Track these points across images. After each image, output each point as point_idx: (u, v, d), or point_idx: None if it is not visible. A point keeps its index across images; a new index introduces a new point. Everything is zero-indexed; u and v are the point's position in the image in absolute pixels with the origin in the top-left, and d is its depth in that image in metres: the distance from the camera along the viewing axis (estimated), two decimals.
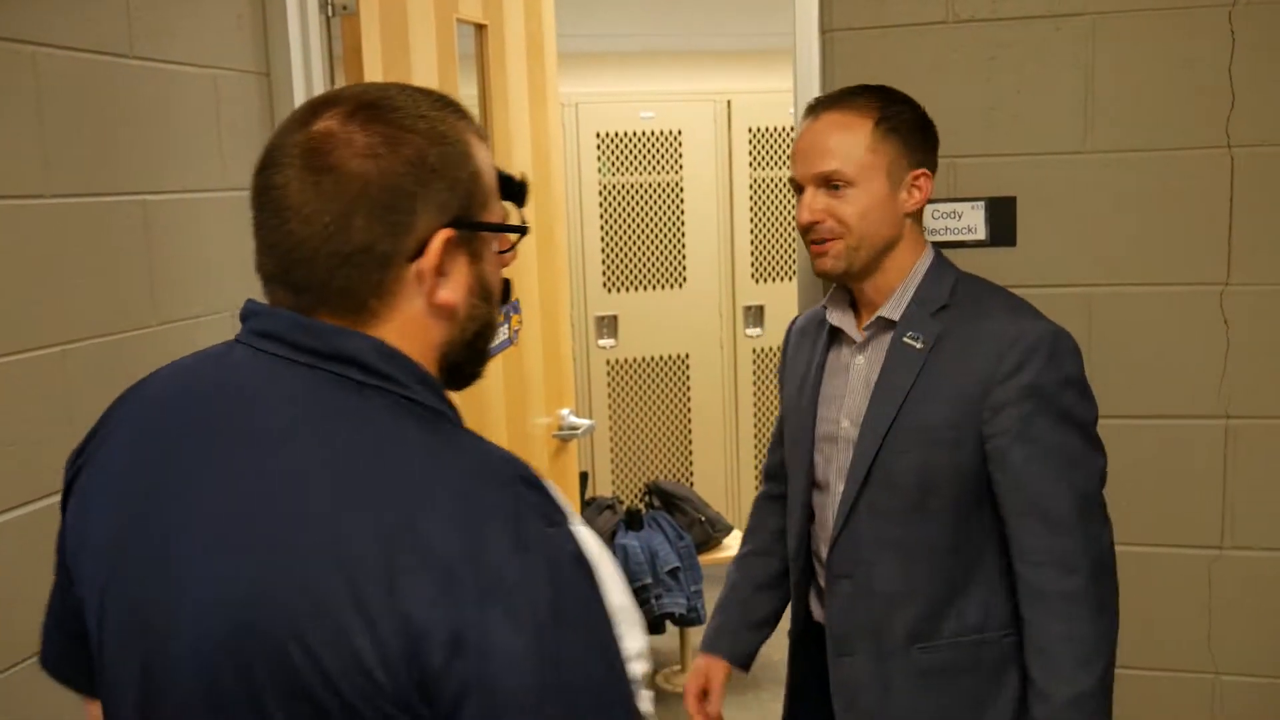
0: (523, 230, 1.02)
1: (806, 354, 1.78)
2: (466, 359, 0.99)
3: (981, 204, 1.93)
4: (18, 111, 1.58)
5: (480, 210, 0.96)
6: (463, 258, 0.95)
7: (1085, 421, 1.59)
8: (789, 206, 4.79)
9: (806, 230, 1.64)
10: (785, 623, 1.98)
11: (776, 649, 4.34)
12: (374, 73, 2.26)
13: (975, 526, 1.62)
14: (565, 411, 3.06)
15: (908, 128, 1.63)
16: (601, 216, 4.73)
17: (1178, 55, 1.85)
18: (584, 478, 4.41)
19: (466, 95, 2.66)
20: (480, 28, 2.72)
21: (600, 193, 4.72)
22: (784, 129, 4.80)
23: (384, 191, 0.89)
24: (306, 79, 2.15)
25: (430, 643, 0.80)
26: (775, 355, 5.00)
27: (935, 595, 1.62)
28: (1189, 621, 1.97)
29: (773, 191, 4.88)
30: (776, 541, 1.92)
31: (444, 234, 0.92)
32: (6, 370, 1.56)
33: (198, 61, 1.94)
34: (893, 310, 1.65)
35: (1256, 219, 1.86)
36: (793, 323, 1.90)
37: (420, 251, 0.91)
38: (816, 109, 1.67)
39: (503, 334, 2.82)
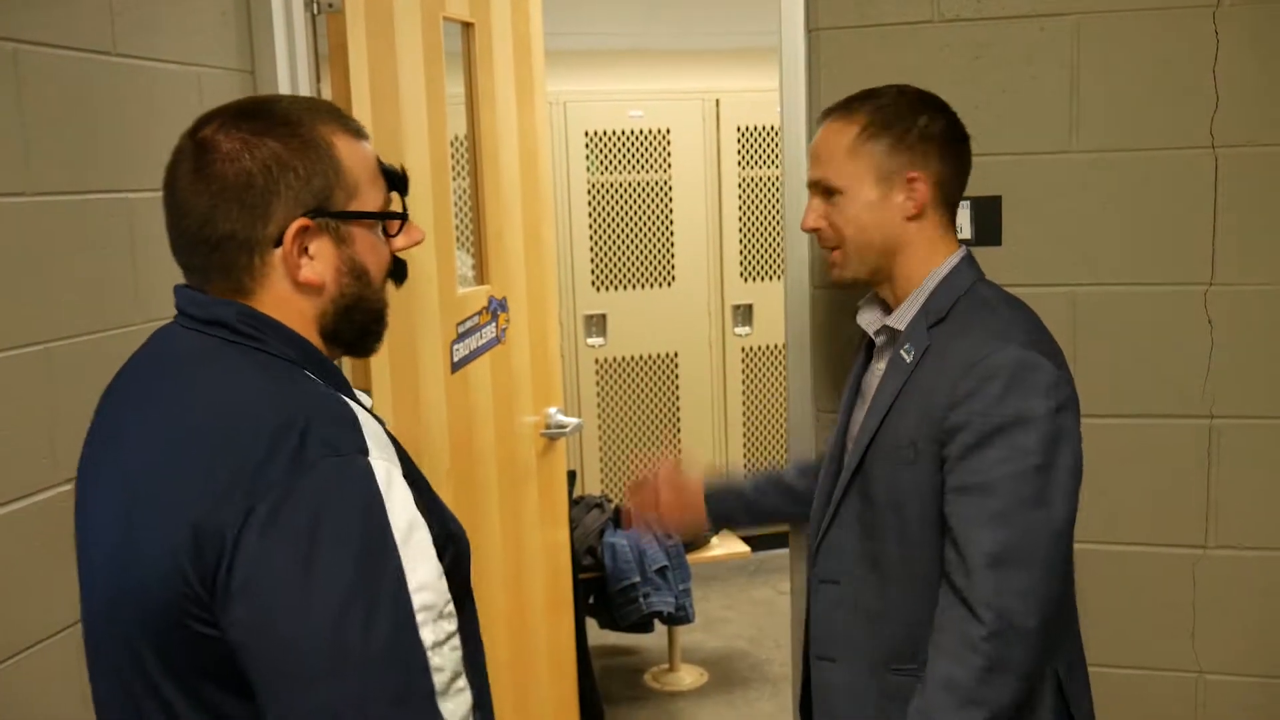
0: (393, 216, 1.18)
1: (857, 358, 1.76)
2: (345, 328, 1.16)
3: (967, 204, 1.93)
4: None
5: (346, 201, 1.12)
6: (327, 242, 1.12)
7: (1038, 466, 1.44)
8: (777, 205, 4.79)
9: (815, 235, 1.64)
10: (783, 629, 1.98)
11: (763, 648, 4.35)
12: (359, 70, 2.25)
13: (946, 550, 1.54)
14: (553, 410, 3.06)
15: (902, 128, 1.56)
16: (590, 215, 4.73)
17: (1162, 55, 1.86)
18: (572, 476, 4.41)
19: (453, 93, 2.65)
20: (467, 26, 2.71)
21: (589, 191, 4.72)
22: (772, 128, 4.80)
23: (241, 188, 1.08)
24: (291, 77, 2.15)
25: (207, 543, 0.97)
26: (764, 353, 5.01)
27: (913, 620, 1.55)
28: (1173, 620, 1.98)
29: (761, 190, 4.88)
30: (804, 475, 1.92)
31: (298, 223, 1.09)
32: None
33: (181, 59, 1.94)
34: (898, 319, 1.61)
35: (1240, 219, 1.87)
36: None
37: (286, 232, 1.09)
38: (826, 114, 1.65)
39: (489, 332, 2.82)
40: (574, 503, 3.87)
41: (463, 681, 1.02)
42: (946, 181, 1.59)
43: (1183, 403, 1.93)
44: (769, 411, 5.05)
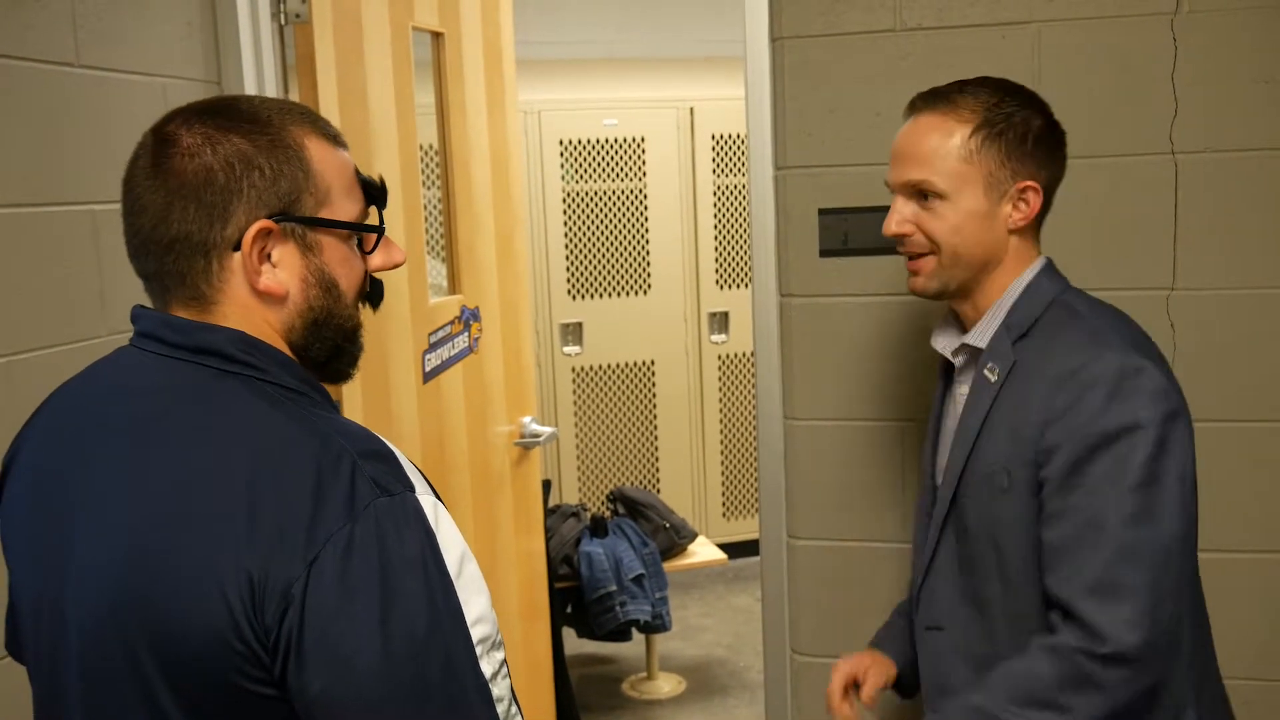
0: (368, 228, 1.09)
1: (939, 384, 1.64)
2: (315, 345, 1.07)
3: None
4: None
5: (315, 207, 1.04)
6: (292, 248, 1.04)
7: (1145, 480, 1.33)
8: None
9: (897, 241, 1.50)
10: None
11: (742, 655, 4.34)
12: (327, 81, 2.25)
13: None
14: (527, 419, 3.06)
15: (1016, 133, 1.44)
16: (565, 224, 4.74)
17: (1122, 63, 1.88)
18: (547, 485, 4.41)
19: (423, 104, 2.65)
20: (437, 35, 2.71)
21: (564, 200, 4.72)
22: (746, 136, 4.82)
23: (200, 185, 1.00)
24: (259, 87, 2.14)
25: (267, 599, 0.90)
26: (740, 361, 5.03)
27: None
28: None
29: (736, 198, 4.90)
30: None
31: (259, 224, 1.01)
32: None
33: (146, 70, 1.93)
34: (978, 336, 1.48)
35: (1201, 224, 1.89)
36: None
37: (247, 234, 1.01)
38: (917, 106, 1.50)
39: (462, 342, 2.82)
40: (550, 511, 3.86)
41: (515, 709, 1.01)
42: (1051, 190, 1.50)
43: None
44: (746, 418, 5.05)
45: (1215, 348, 1.91)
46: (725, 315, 4.97)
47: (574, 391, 4.84)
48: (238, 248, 1.01)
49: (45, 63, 1.71)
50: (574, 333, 4.81)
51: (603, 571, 3.71)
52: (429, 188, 3.10)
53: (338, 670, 0.90)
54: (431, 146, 2.84)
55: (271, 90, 2.17)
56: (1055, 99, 1.89)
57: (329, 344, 1.08)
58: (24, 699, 1.65)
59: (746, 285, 4.94)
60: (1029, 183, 1.45)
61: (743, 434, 5.08)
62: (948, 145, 1.44)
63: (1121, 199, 1.91)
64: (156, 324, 1.05)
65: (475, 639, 0.95)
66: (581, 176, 4.74)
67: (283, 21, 2.20)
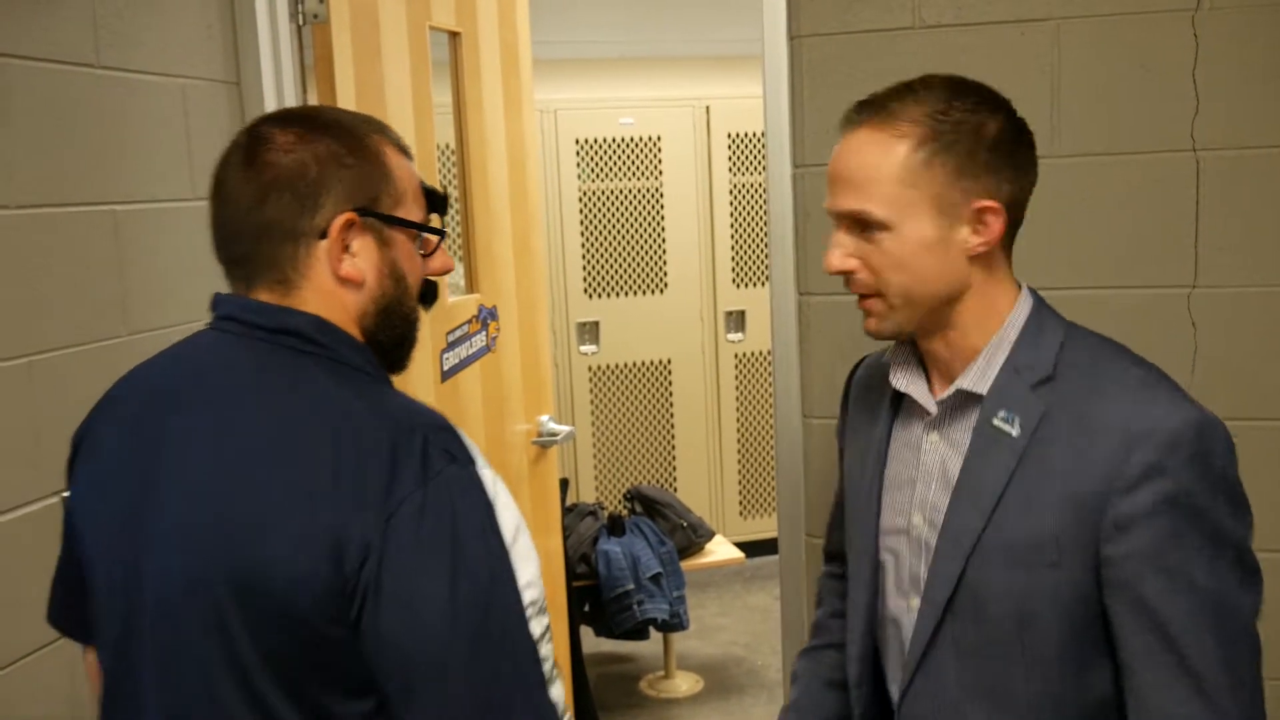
0: (434, 231, 1.21)
1: (869, 417, 1.40)
2: (384, 331, 1.17)
3: None
4: None
5: (391, 207, 1.15)
6: (370, 240, 1.14)
7: (1241, 542, 1.18)
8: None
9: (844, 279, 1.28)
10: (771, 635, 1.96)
11: (759, 654, 4.34)
12: (345, 81, 2.26)
13: (1096, 679, 1.22)
14: (544, 418, 3.06)
15: (967, 144, 1.20)
16: (582, 223, 4.74)
17: (1142, 59, 1.87)
18: (564, 484, 4.41)
19: (440, 103, 2.66)
20: (454, 35, 2.72)
21: (580, 199, 4.73)
22: (763, 134, 4.81)
23: (294, 177, 1.10)
24: (277, 88, 2.15)
25: (348, 552, 0.99)
26: (757, 360, 5.02)
27: None
28: None
29: (753, 196, 4.89)
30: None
31: (345, 216, 1.11)
32: None
33: (166, 71, 1.94)
34: (977, 381, 1.26)
35: (1222, 221, 1.87)
36: (854, 370, 1.51)
37: (333, 224, 1.11)
38: (852, 119, 1.27)
39: (479, 341, 2.82)
40: (567, 510, 3.87)
41: (557, 672, 1.09)
42: (1019, 204, 1.26)
43: None
44: (763, 417, 5.05)
45: (1237, 346, 1.90)
46: (742, 314, 4.96)
47: (591, 390, 4.85)
48: (323, 236, 1.11)
49: (66, 64, 1.72)
50: (591, 332, 4.81)
51: (620, 570, 3.71)
52: (446, 187, 3.09)
53: (407, 616, 1.00)
54: (449, 146, 2.85)
55: (290, 90, 2.17)
56: (1074, 96, 1.89)
57: (396, 331, 1.18)
58: (19, 714, 1.66)
59: (763, 284, 4.93)
60: (987, 202, 1.21)
61: (760, 433, 5.07)
62: (886, 165, 1.20)
63: (1142, 196, 1.90)
64: (239, 308, 1.13)
65: (525, 601, 1.05)
66: (598, 175, 4.74)
67: (301, 22, 2.20)
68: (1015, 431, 1.21)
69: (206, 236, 2.03)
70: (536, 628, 1.06)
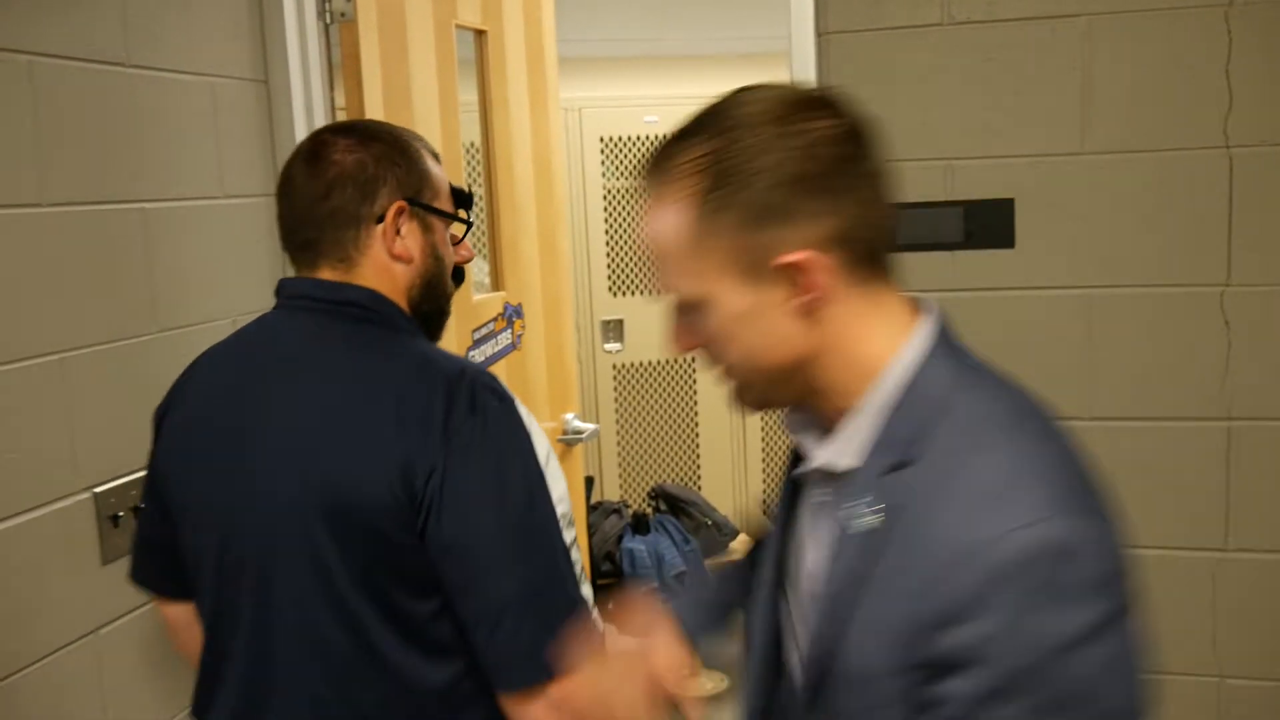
0: (464, 220, 1.47)
1: (786, 486, 1.16)
2: (427, 302, 1.40)
3: (959, 208, 1.93)
4: (13, 120, 1.58)
5: (430, 200, 1.40)
6: (415, 225, 1.38)
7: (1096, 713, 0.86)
8: None
9: None
10: None
11: None
12: (372, 79, 2.26)
13: None
14: (569, 416, 3.06)
15: (752, 189, 0.93)
16: (606, 221, 4.73)
17: (1175, 56, 1.85)
18: (589, 482, 4.41)
19: (466, 101, 2.66)
20: (480, 33, 2.72)
21: (605, 197, 4.72)
22: None
23: (356, 173, 1.34)
24: (305, 86, 2.16)
25: (416, 474, 1.21)
26: None
27: None
28: (1193, 624, 1.96)
29: None
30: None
31: (398, 204, 1.35)
32: (5, 379, 1.57)
33: (195, 69, 1.95)
34: (839, 454, 0.99)
35: (1256, 219, 1.85)
36: None
37: (386, 212, 1.34)
38: (643, 183, 1.04)
39: (505, 339, 2.83)
40: (592, 508, 3.87)
41: (584, 575, 1.28)
42: (855, 235, 0.95)
43: (1200, 405, 1.91)
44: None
45: (1271, 345, 1.88)
46: None
47: (615, 388, 4.84)
48: (379, 221, 1.35)
49: (96, 63, 1.73)
50: (615, 329, 4.81)
51: (645, 568, 3.71)
52: (472, 185, 3.10)
53: (466, 524, 1.22)
54: (474, 144, 2.85)
55: (317, 88, 2.18)
56: (1106, 92, 1.87)
57: (435, 303, 1.42)
58: (50, 706, 1.67)
59: None
60: (790, 257, 0.93)
61: (784, 432, 5.05)
62: (673, 236, 0.98)
63: (1174, 194, 1.88)
64: (308, 286, 1.36)
65: (558, 514, 1.28)
66: (623, 173, 4.73)
67: (328, 20, 2.21)
68: (864, 528, 0.94)
69: (235, 234, 2.05)
70: (567, 536, 1.26)
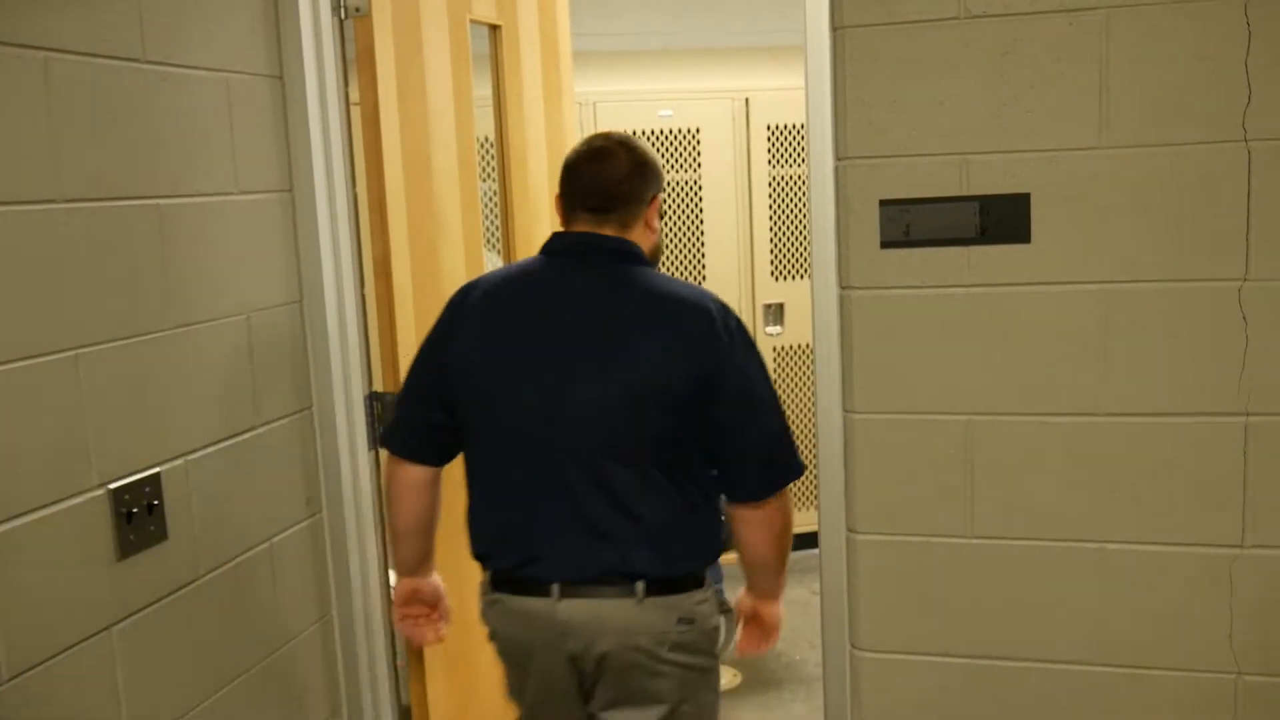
0: (662, 215, 2.26)
1: None
2: (653, 258, 2.04)
3: (975, 203, 1.92)
4: (29, 116, 1.59)
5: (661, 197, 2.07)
6: (655, 210, 2.03)
7: None
8: (808, 204, 4.77)
9: None
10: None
11: (797, 649, 4.30)
12: (387, 74, 2.26)
13: None
14: None
15: None
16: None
17: (1193, 48, 1.83)
18: None
19: (480, 95, 2.66)
20: (494, 28, 2.72)
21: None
22: (803, 126, 4.77)
23: (646, 168, 2.00)
24: (320, 81, 2.16)
25: (699, 370, 1.87)
26: (796, 353, 5.00)
27: None
28: (1210, 621, 1.95)
29: (792, 189, 4.86)
30: None
31: (658, 195, 2.02)
32: (19, 375, 1.57)
33: (210, 65, 1.95)
34: None
35: (1274, 213, 1.84)
36: None
37: (650, 200, 2.01)
38: None
39: None
40: None
41: None
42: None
43: (1218, 400, 1.90)
44: (802, 411, 5.02)
45: None
46: (781, 307, 4.93)
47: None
48: (647, 204, 2.01)
49: (112, 58, 1.74)
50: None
51: None
52: (486, 180, 3.10)
53: (741, 400, 1.91)
54: (488, 139, 2.85)
55: (332, 84, 2.18)
56: (1124, 86, 1.86)
57: (656, 259, 2.06)
58: (63, 704, 1.67)
59: (802, 277, 4.90)
60: None
61: (799, 426, 5.04)
62: None
63: (1192, 188, 1.86)
64: (594, 238, 1.97)
65: None
66: None
67: (343, 16, 2.21)
68: None
69: (251, 230, 2.04)
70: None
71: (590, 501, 1.86)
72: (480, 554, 1.98)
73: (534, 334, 1.90)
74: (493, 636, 2.02)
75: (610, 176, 1.95)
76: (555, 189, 2.96)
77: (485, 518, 1.96)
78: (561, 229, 2.00)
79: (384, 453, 2.08)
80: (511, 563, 1.92)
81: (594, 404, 1.85)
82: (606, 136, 2.01)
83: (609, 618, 1.88)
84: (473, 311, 1.95)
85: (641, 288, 1.91)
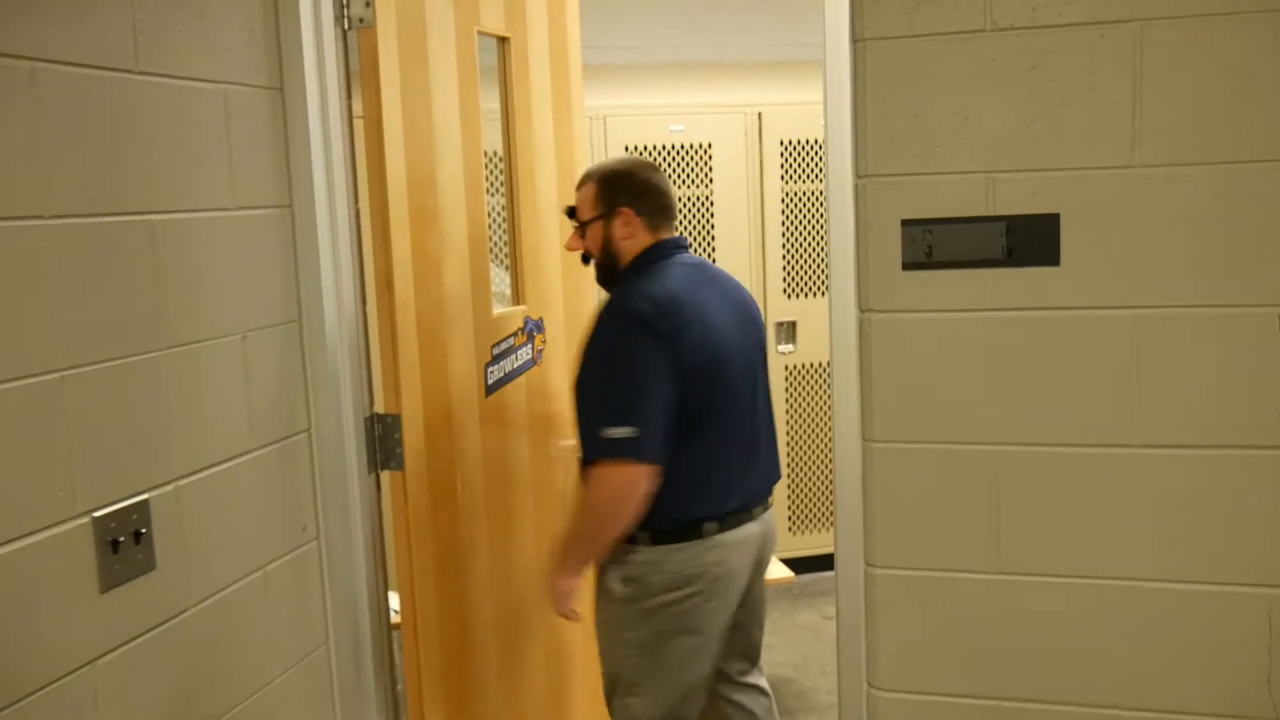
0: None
1: None
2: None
3: (1002, 223, 1.84)
4: (15, 128, 1.52)
5: None
6: None
7: None
8: (821, 220, 4.70)
9: None
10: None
11: (808, 676, 4.21)
12: (391, 87, 2.19)
13: None
14: None
15: None
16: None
17: (1231, 63, 1.75)
18: None
19: (488, 109, 2.59)
20: (502, 40, 2.65)
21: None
22: (816, 141, 4.71)
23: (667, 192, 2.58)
24: (321, 93, 2.09)
25: (761, 332, 2.64)
26: (808, 372, 4.92)
27: None
28: (1248, 663, 1.86)
29: (805, 205, 4.79)
30: None
31: None
32: (2, 397, 1.50)
33: (208, 76, 1.88)
34: None
35: None
36: None
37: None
38: None
39: (525, 354, 2.75)
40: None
41: None
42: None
43: (1259, 433, 1.82)
44: (814, 431, 4.94)
45: None
46: (793, 325, 4.86)
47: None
48: None
49: (104, 69, 1.67)
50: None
51: None
52: (493, 194, 3.03)
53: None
54: (496, 153, 2.78)
55: (334, 96, 2.11)
56: (1158, 102, 1.78)
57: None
58: None
59: (815, 295, 4.83)
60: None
61: (810, 447, 4.96)
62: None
63: (1229, 209, 1.78)
64: (682, 242, 2.54)
65: None
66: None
67: (346, 26, 2.14)
68: None
69: (247, 246, 1.97)
70: None
71: (762, 449, 2.54)
72: (698, 514, 2.39)
73: (726, 325, 2.44)
74: (700, 578, 2.41)
75: (665, 188, 2.50)
76: (563, 204, 2.90)
77: (709, 479, 2.40)
78: (649, 237, 2.48)
79: (618, 466, 2.30)
80: (731, 507, 2.43)
81: (755, 370, 2.54)
82: (629, 158, 2.53)
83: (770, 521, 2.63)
84: (691, 319, 2.35)
85: (722, 274, 2.59)
